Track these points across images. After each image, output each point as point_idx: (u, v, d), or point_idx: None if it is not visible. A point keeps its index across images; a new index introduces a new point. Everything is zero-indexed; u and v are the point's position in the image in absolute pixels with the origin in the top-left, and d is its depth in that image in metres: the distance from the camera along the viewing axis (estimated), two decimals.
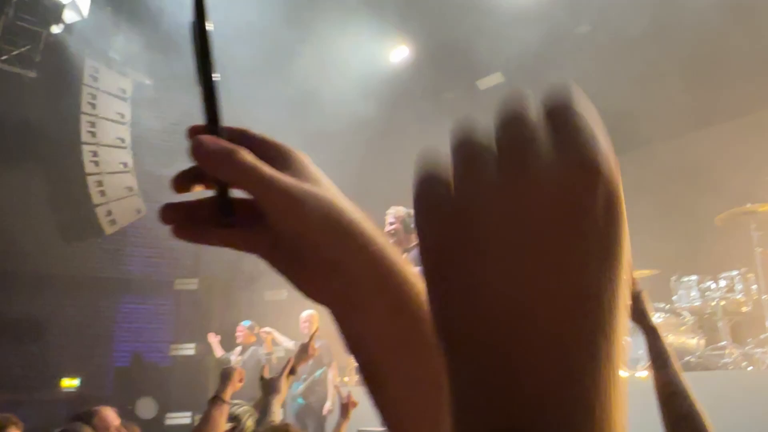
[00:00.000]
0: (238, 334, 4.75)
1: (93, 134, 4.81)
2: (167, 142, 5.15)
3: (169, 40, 4.45)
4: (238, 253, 0.32)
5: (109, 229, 4.96)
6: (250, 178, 0.25)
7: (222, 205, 0.27)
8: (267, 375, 1.90)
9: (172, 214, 0.26)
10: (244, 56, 4.28)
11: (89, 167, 4.86)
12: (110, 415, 2.04)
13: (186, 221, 0.27)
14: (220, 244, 0.28)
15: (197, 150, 0.25)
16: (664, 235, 4.58)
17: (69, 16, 4.78)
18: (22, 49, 4.88)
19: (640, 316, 0.96)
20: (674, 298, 4.23)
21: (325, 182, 0.27)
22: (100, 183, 4.87)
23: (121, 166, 4.80)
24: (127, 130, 4.84)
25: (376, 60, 4.75)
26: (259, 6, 4.43)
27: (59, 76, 4.82)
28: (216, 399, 1.67)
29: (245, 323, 4.74)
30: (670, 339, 3.96)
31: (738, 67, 4.30)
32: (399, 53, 4.82)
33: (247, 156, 0.25)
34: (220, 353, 4.75)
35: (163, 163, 4.83)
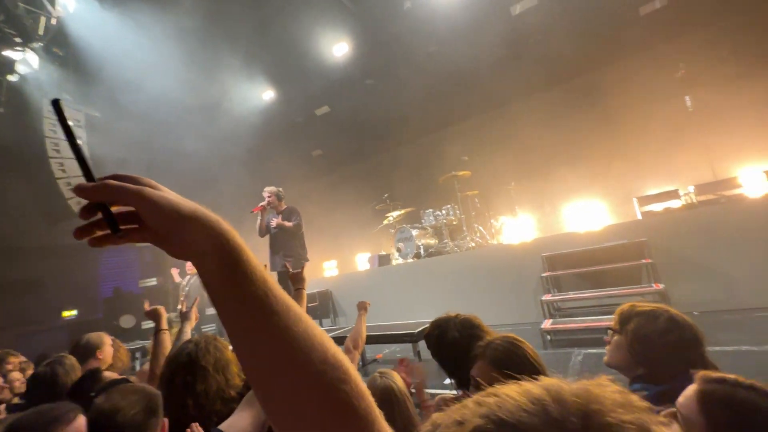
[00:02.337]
0: (187, 268, 7.55)
1: (57, 151, 7.04)
2: (114, 155, 7.53)
3: (107, 86, 6.75)
4: None
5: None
6: (124, 194, 0.41)
7: (109, 222, 0.42)
8: (184, 309, 2.22)
9: (79, 234, 0.43)
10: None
11: (58, 173, 7.14)
12: (107, 337, 2.44)
13: (91, 236, 0.43)
14: (119, 244, 0.44)
15: (79, 191, 0.40)
16: (419, 189, 8.46)
17: (22, 68, 6.71)
18: None
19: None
20: (423, 220, 7.64)
21: (171, 192, 0.43)
22: (68, 183, 7.20)
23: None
24: (85, 147, 7.10)
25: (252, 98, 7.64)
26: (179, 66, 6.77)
27: (24, 112, 6.84)
28: (157, 331, 2.10)
29: None
30: (423, 241, 7.81)
31: None
32: (268, 94, 7.71)
33: (114, 181, 0.41)
34: (178, 280, 7.59)
35: (111, 171, 7.34)
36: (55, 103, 0.45)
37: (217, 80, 6.99)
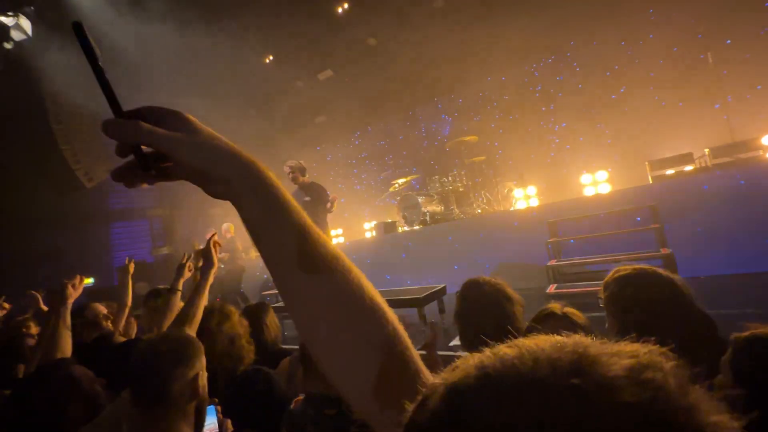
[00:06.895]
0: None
1: (60, 122, 6.96)
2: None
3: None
4: (191, 188, 0.45)
5: (88, 184, 7.44)
6: (156, 140, 0.39)
7: (141, 162, 0.41)
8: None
9: (117, 176, 0.43)
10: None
11: (62, 143, 7.10)
12: (98, 307, 2.41)
13: (128, 178, 0.42)
14: (153, 183, 0.44)
15: (105, 129, 0.38)
16: (421, 155, 8.31)
17: (16, 35, 6.48)
18: None
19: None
20: (429, 187, 7.81)
21: (205, 131, 0.43)
22: (74, 153, 7.19)
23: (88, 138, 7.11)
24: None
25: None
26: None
27: (23, 82, 6.68)
28: (171, 289, 1.96)
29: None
30: (429, 208, 7.75)
31: None
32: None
33: (142, 124, 0.39)
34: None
35: None
36: (77, 27, 0.37)
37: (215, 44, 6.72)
